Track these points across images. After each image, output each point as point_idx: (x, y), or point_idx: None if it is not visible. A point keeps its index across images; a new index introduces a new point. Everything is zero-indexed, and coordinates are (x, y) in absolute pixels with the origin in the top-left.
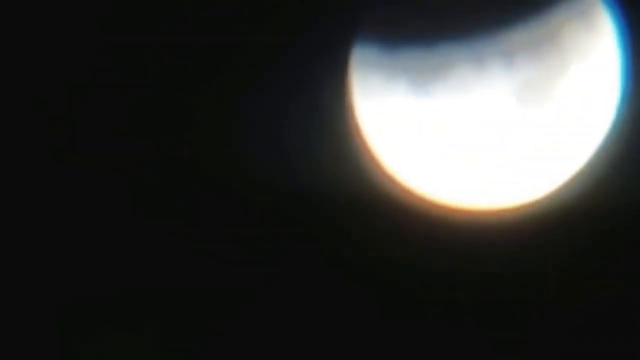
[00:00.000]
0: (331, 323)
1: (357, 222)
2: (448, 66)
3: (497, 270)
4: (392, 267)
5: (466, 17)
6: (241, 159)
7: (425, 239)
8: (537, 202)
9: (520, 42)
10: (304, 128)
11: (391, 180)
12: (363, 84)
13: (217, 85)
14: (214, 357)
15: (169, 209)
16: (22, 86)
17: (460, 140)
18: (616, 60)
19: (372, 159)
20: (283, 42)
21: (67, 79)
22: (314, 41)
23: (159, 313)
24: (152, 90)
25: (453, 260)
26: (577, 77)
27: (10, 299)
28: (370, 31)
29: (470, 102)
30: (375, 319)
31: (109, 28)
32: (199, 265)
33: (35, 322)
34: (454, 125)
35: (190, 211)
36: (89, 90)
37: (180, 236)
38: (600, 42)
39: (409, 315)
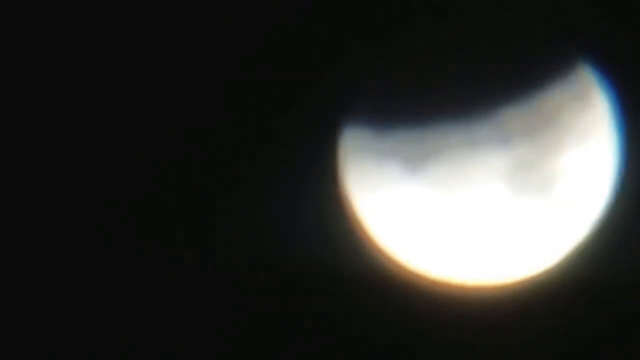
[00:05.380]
0: None
1: (354, 301)
2: (441, 147)
3: (496, 344)
4: (390, 343)
5: (460, 97)
6: (241, 242)
7: (423, 315)
8: (532, 279)
9: (515, 122)
10: (298, 213)
11: (387, 259)
12: (356, 166)
13: (208, 178)
14: None
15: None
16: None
17: (455, 219)
18: (612, 141)
19: (367, 239)
20: (274, 129)
21: None
22: (305, 125)
23: None
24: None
25: (451, 336)
26: (572, 157)
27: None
28: (362, 113)
29: (464, 181)
30: None
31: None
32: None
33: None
34: (449, 204)
35: (196, 294)
36: None
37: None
38: (596, 123)
39: None
